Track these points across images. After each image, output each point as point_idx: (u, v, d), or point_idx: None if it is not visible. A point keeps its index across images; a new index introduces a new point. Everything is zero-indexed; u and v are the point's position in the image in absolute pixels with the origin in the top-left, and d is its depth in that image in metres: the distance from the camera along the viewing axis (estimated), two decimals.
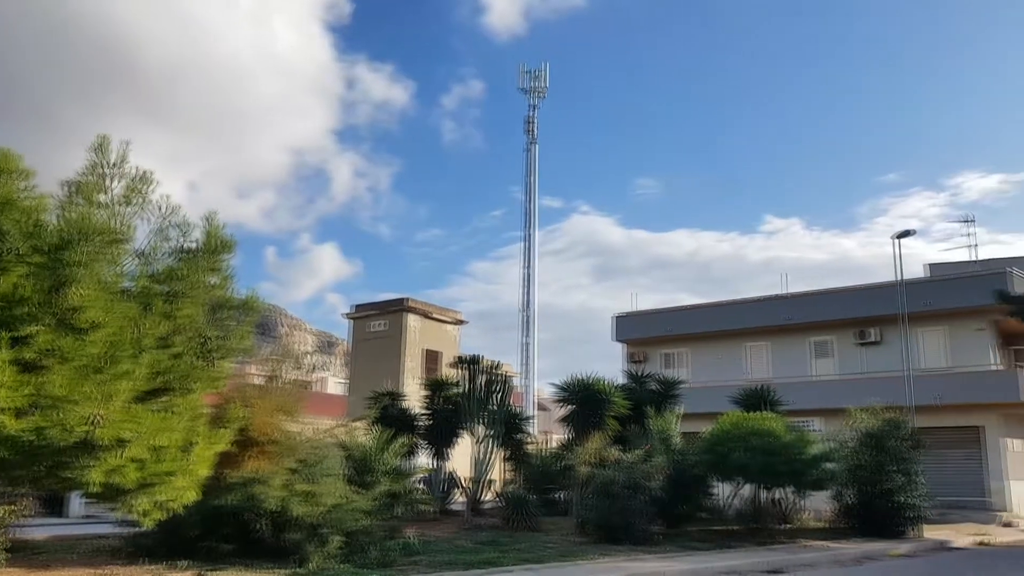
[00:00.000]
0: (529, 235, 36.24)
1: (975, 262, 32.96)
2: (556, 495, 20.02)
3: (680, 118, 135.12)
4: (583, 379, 20.27)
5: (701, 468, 17.74)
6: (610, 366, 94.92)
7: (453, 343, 31.01)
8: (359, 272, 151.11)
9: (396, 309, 29.67)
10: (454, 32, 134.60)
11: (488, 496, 19.21)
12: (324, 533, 10.74)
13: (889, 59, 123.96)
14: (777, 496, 19.82)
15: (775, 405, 21.21)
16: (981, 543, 18.87)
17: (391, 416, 19.51)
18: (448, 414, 20.30)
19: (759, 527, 17.87)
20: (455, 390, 20.07)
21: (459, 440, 20.93)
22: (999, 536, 20.27)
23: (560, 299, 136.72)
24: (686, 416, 21.20)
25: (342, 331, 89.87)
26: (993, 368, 27.07)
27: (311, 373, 22.82)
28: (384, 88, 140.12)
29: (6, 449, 7.08)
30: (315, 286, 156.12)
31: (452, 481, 20.33)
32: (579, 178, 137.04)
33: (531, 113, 38.13)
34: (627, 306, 44.38)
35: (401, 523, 13.48)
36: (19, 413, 6.98)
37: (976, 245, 35.44)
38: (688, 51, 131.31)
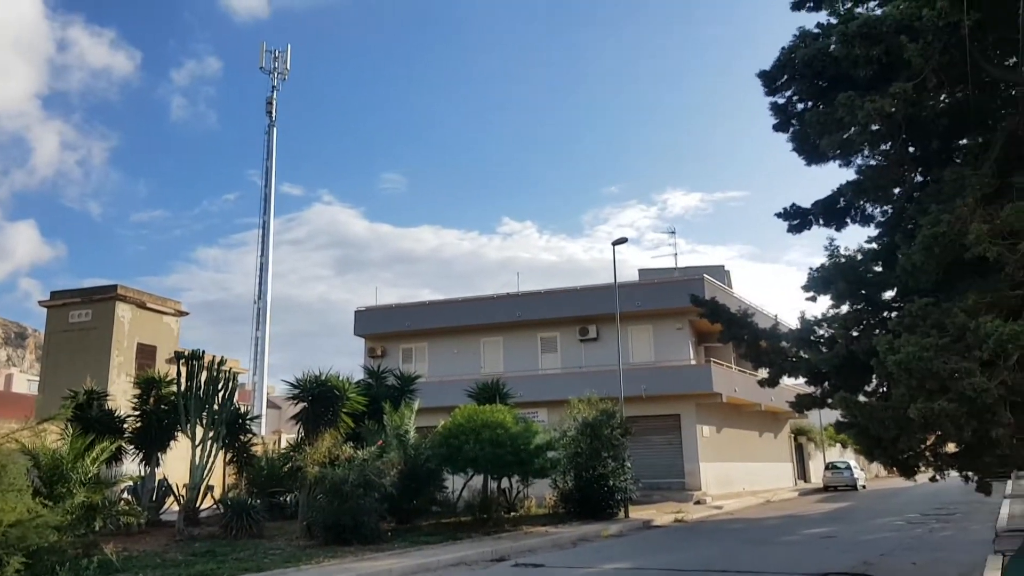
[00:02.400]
0: (265, 222, 34.47)
1: (677, 269, 37.15)
2: (284, 498, 19.15)
3: (425, 117, 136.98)
4: (317, 375, 19.51)
5: (435, 462, 17.92)
6: (350, 361, 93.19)
7: (173, 337, 28.31)
8: (62, 256, 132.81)
9: (104, 297, 26.41)
10: (187, 5, 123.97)
11: (208, 503, 17.77)
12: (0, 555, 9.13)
13: (620, 82, 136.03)
14: (505, 485, 20.63)
15: (506, 398, 22.07)
16: (678, 520, 21.18)
17: (92, 418, 17.35)
18: (163, 415, 18.53)
19: (488, 517, 18.43)
20: (172, 388, 18.31)
21: (175, 444, 19.19)
22: (693, 513, 22.90)
23: (298, 291, 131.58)
24: (423, 410, 21.33)
25: (38, 322, 78.87)
26: (690, 363, 30.63)
27: None
28: (104, 55, 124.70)
29: None
30: (6, 269, 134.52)
31: (165, 489, 18.54)
32: (322, 167, 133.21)
33: (272, 94, 36.35)
34: (369, 300, 43.96)
35: (101, 538, 11.97)
36: None
37: (678, 254, 40.33)
38: (432, 51, 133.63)
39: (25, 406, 24.99)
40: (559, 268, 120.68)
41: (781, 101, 13.11)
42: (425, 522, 18.06)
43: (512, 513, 20.34)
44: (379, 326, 35.09)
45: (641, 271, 38.54)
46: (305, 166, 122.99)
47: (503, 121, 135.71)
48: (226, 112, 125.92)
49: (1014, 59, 11.22)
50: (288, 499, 19.09)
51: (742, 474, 32.72)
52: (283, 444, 24.39)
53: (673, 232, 56.83)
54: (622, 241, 24.82)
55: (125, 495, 17.25)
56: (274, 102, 36.68)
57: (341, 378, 19.82)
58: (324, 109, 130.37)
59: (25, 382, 46.64)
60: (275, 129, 36.75)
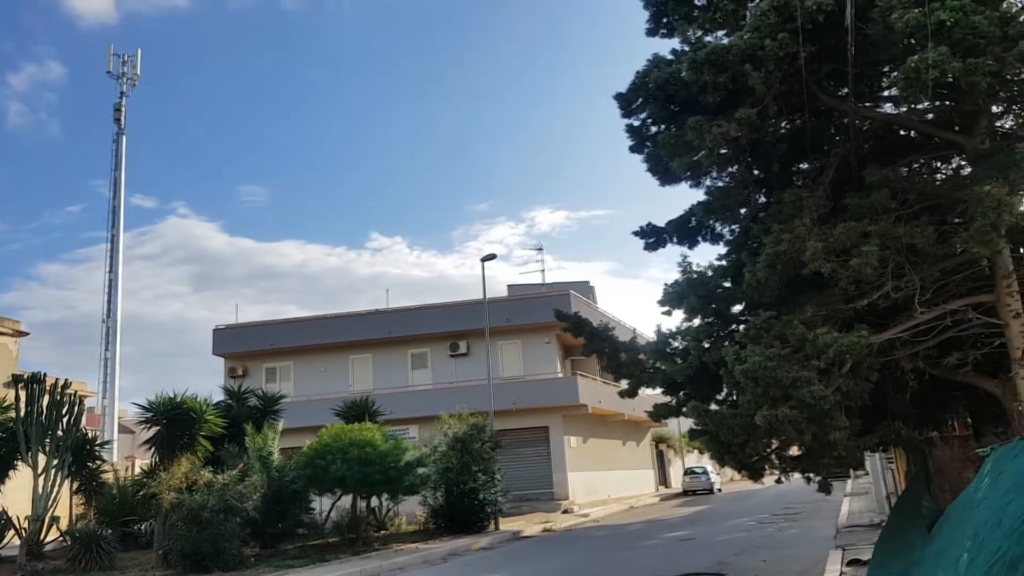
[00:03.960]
0: (114, 235, 32.45)
1: (545, 285, 38.01)
2: (138, 527, 18.13)
3: (287, 128, 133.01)
4: (172, 397, 18.54)
5: (300, 483, 17.46)
6: (209, 381, 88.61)
7: (11, 359, 26.08)
8: None
9: None
10: (27, 7, 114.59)
11: (53, 536, 16.51)
12: None
13: (489, 102, 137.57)
14: (374, 504, 20.34)
15: (375, 415, 21.78)
16: (546, 530, 21.59)
17: None
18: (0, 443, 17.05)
19: (356, 537, 18.13)
20: (11, 414, 16.92)
21: (15, 473, 17.74)
22: (561, 522, 23.40)
23: (152, 309, 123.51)
24: (289, 431, 20.71)
25: None
26: (558, 376, 31.37)
27: None
28: None
29: None
30: None
31: (4, 522, 17.06)
32: (178, 179, 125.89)
33: (121, 100, 34.33)
34: (229, 318, 42.19)
35: None
36: None
37: (545, 270, 41.25)
38: (293, 61, 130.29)
39: None
40: (430, 284, 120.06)
41: (636, 123, 13.55)
42: (291, 546, 17.54)
43: (382, 532, 20.10)
44: (240, 344, 33.74)
45: (510, 287, 39.13)
46: (158, 177, 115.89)
47: (371, 135, 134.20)
48: (70, 120, 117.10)
49: (845, 90, 12.24)
50: (143, 528, 18.11)
51: (607, 482, 33.76)
52: (137, 470, 23.03)
53: (540, 249, 58.40)
54: (491, 257, 25.30)
55: None
56: (123, 109, 34.73)
57: (199, 399, 18.96)
58: (178, 118, 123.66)
59: None
60: (124, 137, 34.81)
